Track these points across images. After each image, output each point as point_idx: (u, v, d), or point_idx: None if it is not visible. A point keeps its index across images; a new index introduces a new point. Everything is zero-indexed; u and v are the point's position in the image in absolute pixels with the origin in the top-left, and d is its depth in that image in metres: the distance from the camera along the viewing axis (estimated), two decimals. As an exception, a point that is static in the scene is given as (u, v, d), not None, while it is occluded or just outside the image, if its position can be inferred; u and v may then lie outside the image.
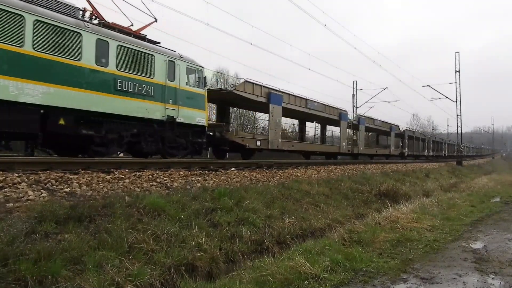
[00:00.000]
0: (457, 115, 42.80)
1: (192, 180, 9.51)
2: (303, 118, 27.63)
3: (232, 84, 18.74)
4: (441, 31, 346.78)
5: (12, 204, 5.53)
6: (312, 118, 27.08)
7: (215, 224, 6.96)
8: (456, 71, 41.68)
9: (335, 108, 26.35)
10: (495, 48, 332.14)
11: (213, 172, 10.93)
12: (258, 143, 17.60)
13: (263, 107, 20.26)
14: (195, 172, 10.38)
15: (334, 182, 14.20)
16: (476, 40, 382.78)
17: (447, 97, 41.93)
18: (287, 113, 22.59)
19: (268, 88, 18.74)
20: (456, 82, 41.67)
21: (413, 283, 4.38)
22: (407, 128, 41.58)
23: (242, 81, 18.28)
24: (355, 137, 30.57)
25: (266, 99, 18.59)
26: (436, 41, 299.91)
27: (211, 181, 9.93)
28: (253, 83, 17.79)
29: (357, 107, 45.50)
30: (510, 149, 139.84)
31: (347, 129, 27.49)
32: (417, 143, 44.72)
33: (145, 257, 5.16)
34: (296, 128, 30.55)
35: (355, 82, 46.55)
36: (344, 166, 19.49)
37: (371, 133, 40.18)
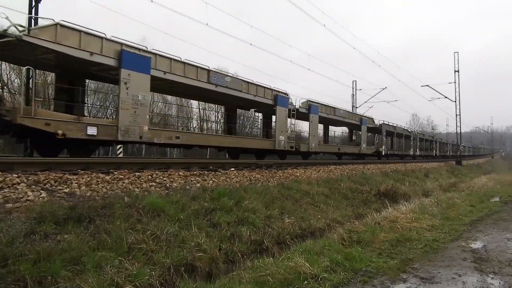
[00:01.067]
0: (456, 115, 42.89)
1: (191, 181, 9.51)
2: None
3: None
4: (441, 31, 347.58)
5: (11, 205, 5.53)
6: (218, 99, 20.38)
7: (214, 224, 6.96)
8: (455, 71, 41.77)
9: (267, 88, 18.75)
10: (495, 48, 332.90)
11: (213, 172, 10.93)
12: (92, 131, 11.10)
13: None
14: (195, 172, 10.39)
15: (333, 182, 14.21)
16: (476, 40, 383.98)
17: (446, 97, 42.00)
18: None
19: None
20: (455, 82, 41.76)
21: (413, 283, 4.39)
22: (386, 122, 34.95)
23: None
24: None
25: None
26: (436, 41, 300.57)
27: (211, 181, 9.93)
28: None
29: (356, 107, 45.53)
30: (510, 149, 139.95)
31: (288, 118, 20.16)
32: (399, 141, 40.59)
33: (144, 258, 5.16)
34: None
35: (354, 82, 46.59)
36: (344, 166, 19.51)
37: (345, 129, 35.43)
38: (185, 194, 7.75)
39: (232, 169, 12.11)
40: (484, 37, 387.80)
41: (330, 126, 31.06)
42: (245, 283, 4.50)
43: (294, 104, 20.73)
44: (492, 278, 4.57)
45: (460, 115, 42.70)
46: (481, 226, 8.07)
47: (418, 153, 43.55)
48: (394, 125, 37.03)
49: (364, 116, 30.87)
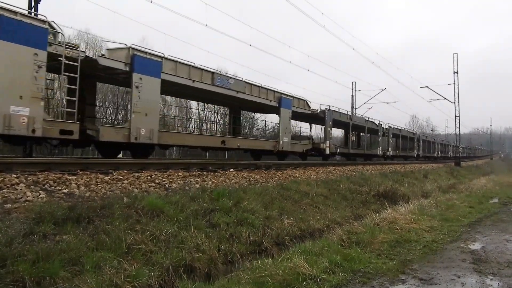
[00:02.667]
0: (455, 116, 42.91)
1: (190, 181, 9.51)
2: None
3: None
4: (440, 33, 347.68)
5: (10, 205, 5.52)
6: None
7: (213, 225, 6.96)
8: (454, 72, 41.79)
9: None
10: (494, 50, 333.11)
11: (212, 173, 10.93)
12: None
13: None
14: (194, 173, 10.39)
15: (332, 183, 14.21)
16: (476, 42, 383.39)
17: (445, 98, 42.01)
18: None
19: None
20: (454, 83, 41.78)
21: (412, 284, 4.38)
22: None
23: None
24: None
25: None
26: (436, 42, 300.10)
27: (210, 182, 9.93)
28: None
29: (355, 108, 45.55)
30: (509, 150, 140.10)
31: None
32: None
33: (143, 258, 5.16)
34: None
35: (353, 83, 46.64)
36: (343, 167, 19.53)
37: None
38: (184, 195, 7.74)
39: (231, 169, 12.11)
40: (484, 38, 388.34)
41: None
42: (244, 283, 4.49)
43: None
44: (491, 279, 4.57)
45: (459, 116, 42.76)
46: (480, 228, 8.07)
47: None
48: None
49: (285, 95, 31.52)
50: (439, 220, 8.51)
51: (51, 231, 4.99)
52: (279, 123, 19.90)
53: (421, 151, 44.56)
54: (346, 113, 27.69)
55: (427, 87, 41.64)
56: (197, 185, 9.24)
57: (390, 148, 35.63)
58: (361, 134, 35.42)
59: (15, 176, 6.64)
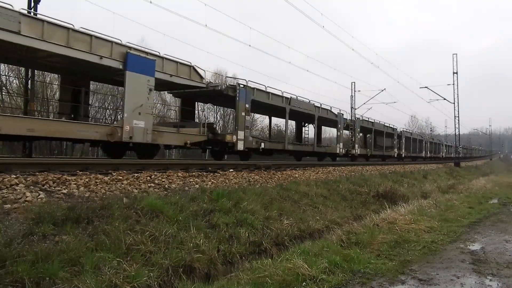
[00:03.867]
0: (454, 116, 42.88)
1: (190, 182, 9.51)
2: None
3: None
4: (441, 33, 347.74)
5: (9, 206, 5.52)
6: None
7: (213, 225, 6.95)
8: (454, 73, 41.76)
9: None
10: (494, 50, 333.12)
11: (211, 174, 10.93)
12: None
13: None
14: (193, 173, 10.38)
15: (332, 183, 14.21)
16: (476, 43, 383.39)
17: (444, 99, 41.96)
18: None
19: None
20: (454, 84, 41.75)
21: (411, 284, 4.39)
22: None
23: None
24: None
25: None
26: (436, 43, 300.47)
27: (209, 183, 9.93)
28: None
29: (355, 108, 45.54)
30: (508, 151, 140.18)
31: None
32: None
33: (143, 259, 5.16)
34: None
35: (353, 83, 46.60)
36: (343, 167, 19.53)
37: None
38: (183, 195, 7.74)
39: (231, 170, 12.10)
40: (484, 39, 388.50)
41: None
42: (243, 284, 4.49)
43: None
44: (490, 280, 4.58)
45: (458, 116, 42.69)
46: (480, 228, 8.08)
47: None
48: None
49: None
50: (439, 221, 8.52)
51: (51, 232, 4.99)
52: (124, 95, 12.47)
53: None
54: (281, 94, 19.94)
55: (426, 87, 41.66)
56: (197, 186, 9.24)
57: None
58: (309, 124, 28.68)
59: (14, 176, 6.63)
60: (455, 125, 43.23)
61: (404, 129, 40.42)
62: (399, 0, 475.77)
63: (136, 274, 4.60)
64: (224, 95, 16.56)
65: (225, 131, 27.86)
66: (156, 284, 4.78)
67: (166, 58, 13.55)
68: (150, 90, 12.59)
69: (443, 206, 11.04)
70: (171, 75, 13.70)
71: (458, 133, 44.14)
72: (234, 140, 16.17)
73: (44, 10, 18.70)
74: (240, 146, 16.37)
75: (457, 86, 41.62)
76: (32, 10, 14.22)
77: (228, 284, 4.62)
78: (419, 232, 7.26)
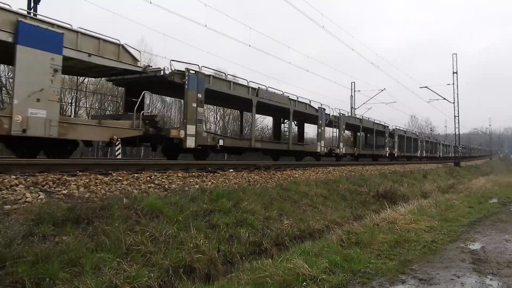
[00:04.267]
0: (454, 116, 42.93)
1: (190, 182, 9.51)
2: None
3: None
4: (441, 33, 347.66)
5: (9, 206, 5.51)
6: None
7: (213, 225, 6.95)
8: (453, 73, 41.81)
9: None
10: (494, 51, 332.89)
11: (211, 174, 10.93)
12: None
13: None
14: (193, 173, 10.38)
15: (332, 183, 14.21)
16: (476, 43, 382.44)
17: (444, 98, 42.04)
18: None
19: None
20: (453, 84, 41.80)
21: (411, 284, 4.39)
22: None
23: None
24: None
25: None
26: (436, 43, 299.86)
27: (209, 183, 9.93)
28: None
29: (355, 108, 45.59)
30: (508, 151, 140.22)
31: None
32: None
33: (143, 259, 5.15)
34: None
35: (353, 83, 46.66)
36: (342, 167, 19.54)
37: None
38: (183, 196, 7.73)
39: (231, 170, 12.10)
40: (484, 39, 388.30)
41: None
42: (243, 284, 4.49)
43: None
44: (490, 279, 4.58)
45: (458, 116, 42.76)
46: (480, 228, 8.08)
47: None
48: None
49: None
50: (439, 220, 8.52)
51: (51, 232, 4.99)
52: (14, 76, 9.88)
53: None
54: (247, 84, 17.39)
55: (426, 87, 41.74)
56: (197, 186, 9.23)
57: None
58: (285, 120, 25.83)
59: (14, 177, 6.63)
60: (455, 124, 43.34)
61: (397, 127, 38.64)
62: (399, 0, 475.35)
63: (136, 274, 4.59)
64: (168, 82, 13.69)
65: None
66: (156, 285, 4.78)
67: (82, 33, 10.80)
68: (55, 71, 9.94)
69: (443, 206, 11.04)
70: (89, 54, 10.93)
71: (458, 132, 44.22)
72: (182, 136, 13.51)
73: (44, 10, 18.72)
74: (190, 143, 13.78)
75: (457, 86, 41.72)
76: (32, 10, 14.22)
77: (229, 284, 4.62)
78: (419, 232, 7.26)
